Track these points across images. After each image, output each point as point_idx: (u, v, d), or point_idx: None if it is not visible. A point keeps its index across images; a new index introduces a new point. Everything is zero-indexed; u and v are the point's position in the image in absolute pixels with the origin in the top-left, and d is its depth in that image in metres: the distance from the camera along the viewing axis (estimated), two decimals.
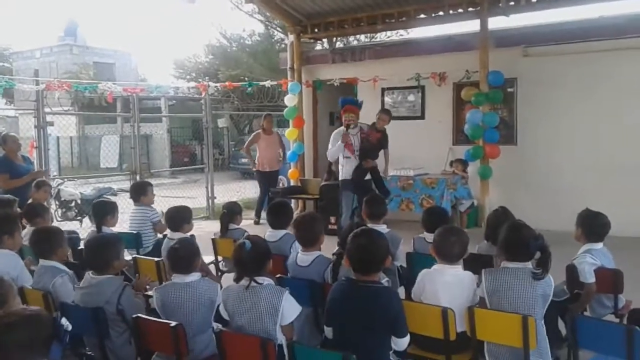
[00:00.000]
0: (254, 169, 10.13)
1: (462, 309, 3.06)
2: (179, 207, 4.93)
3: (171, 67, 29.19)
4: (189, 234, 4.57)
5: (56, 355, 2.04)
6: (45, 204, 5.84)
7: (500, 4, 8.53)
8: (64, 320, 2.07)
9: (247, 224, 7.98)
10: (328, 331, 2.98)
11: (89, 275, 3.32)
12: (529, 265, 3.03)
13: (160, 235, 5.55)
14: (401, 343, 2.86)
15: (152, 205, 5.70)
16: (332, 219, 7.93)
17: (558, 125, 8.52)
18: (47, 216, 5.14)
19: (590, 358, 3.01)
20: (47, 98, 8.32)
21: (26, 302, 3.49)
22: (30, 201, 5.61)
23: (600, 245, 3.76)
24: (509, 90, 8.87)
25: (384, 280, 3.40)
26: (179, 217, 4.74)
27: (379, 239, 2.98)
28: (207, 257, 5.06)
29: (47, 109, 8.25)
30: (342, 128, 7.29)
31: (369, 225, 4.26)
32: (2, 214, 4.23)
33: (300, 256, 3.72)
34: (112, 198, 8.69)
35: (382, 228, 4.42)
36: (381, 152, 7.84)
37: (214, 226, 7.02)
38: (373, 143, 7.20)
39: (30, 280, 3.76)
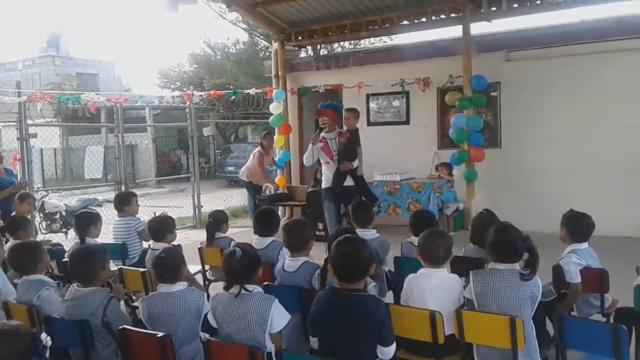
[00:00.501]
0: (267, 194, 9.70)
1: (450, 311, 3.07)
2: (162, 217, 4.91)
3: (155, 76, 29.10)
4: (172, 243, 4.54)
5: None
6: (29, 216, 5.79)
7: (482, 10, 8.61)
8: (43, 335, 2.03)
9: (233, 232, 7.94)
10: (314, 342, 2.93)
11: (73, 287, 3.28)
12: (517, 266, 3.04)
13: (146, 245, 5.51)
14: (387, 352, 2.82)
15: (137, 215, 5.66)
16: (320, 226, 7.92)
17: (541, 128, 8.61)
18: (29, 229, 5.09)
19: (578, 357, 3.03)
20: (29, 110, 8.25)
21: (10, 316, 3.45)
22: (13, 214, 5.54)
23: (585, 245, 3.79)
24: (493, 94, 8.96)
25: (372, 285, 3.40)
26: (162, 227, 4.71)
27: (362, 247, 2.93)
28: (194, 267, 5.03)
29: (29, 121, 8.18)
30: (316, 134, 7.25)
31: (358, 231, 4.27)
32: None
33: (288, 262, 3.71)
34: (98, 209, 8.61)
35: (372, 233, 4.43)
36: None
37: (201, 235, 6.97)
38: (344, 143, 7.10)
39: (14, 293, 3.71)
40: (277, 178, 10.81)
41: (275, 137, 10.71)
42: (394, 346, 2.84)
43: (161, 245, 4.35)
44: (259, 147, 9.69)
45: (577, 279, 3.61)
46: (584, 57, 8.20)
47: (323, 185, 7.30)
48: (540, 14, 8.71)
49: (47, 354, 2.04)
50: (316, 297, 2.95)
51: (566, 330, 2.93)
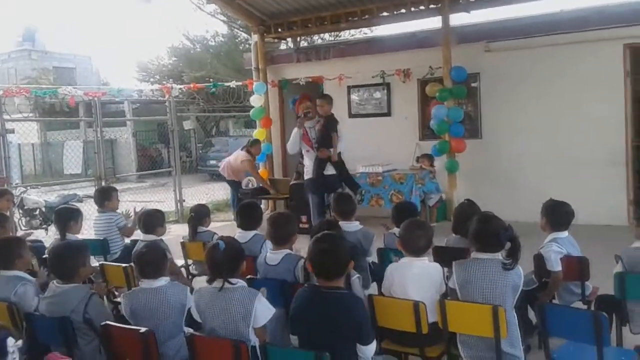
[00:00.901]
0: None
1: (432, 300, 3.10)
2: (151, 210, 4.86)
3: (134, 70, 28.79)
4: (161, 237, 4.51)
5: None
6: (7, 213, 5.69)
7: (461, 1, 8.64)
8: (10, 341, 1.94)
9: (216, 226, 7.90)
10: (293, 339, 2.90)
11: (53, 284, 3.24)
12: (499, 256, 3.06)
13: (128, 241, 5.47)
14: (367, 351, 2.78)
15: (118, 211, 5.61)
16: (303, 218, 7.90)
17: (519, 118, 8.67)
18: (8, 225, 5.01)
19: (560, 345, 3.07)
20: (5, 105, 8.10)
21: None
22: None
23: (565, 233, 3.84)
24: (473, 85, 9.00)
25: (355, 277, 3.41)
26: (152, 220, 4.68)
27: (341, 243, 2.92)
28: (177, 261, 4.99)
29: (6, 116, 8.04)
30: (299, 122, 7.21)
31: (341, 223, 4.27)
32: None
33: (269, 255, 3.70)
34: (78, 205, 8.50)
35: (355, 225, 4.44)
36: None
37: (184, 229, 6.90)
38: (321, 130, 7.08)
39: None
40: (259, 171, 10.77)
41: (256, 130, 10.67)
42: (373, 345, 2.82)
43: (151, 238, 4.33)
44: (247, 154, 9.50)
45: (557, 267, 3.65)
46: (562, 47, 8.26)
47: (305, 177, 7.27)
48: (520, 5, 8.77)
49: (17, 358, 1.94)
50: (296, 295, 2.92)
51: (548, 318, 2.96)
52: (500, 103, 8.81)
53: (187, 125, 23.38)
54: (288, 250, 3.70)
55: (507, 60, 8.70)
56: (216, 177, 18.92)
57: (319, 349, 2.55)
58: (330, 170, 7.09)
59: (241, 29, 20.62)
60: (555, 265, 3.65)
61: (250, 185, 11.14)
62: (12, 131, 8.24)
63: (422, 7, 9.00)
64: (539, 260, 3.74)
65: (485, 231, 3.14)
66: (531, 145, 8.59)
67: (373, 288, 4.19)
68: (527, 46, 8.52)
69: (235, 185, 9.70)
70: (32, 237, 6.13)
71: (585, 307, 3.70)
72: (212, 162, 20.53)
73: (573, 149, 8.26)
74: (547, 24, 8.49)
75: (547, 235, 3.86)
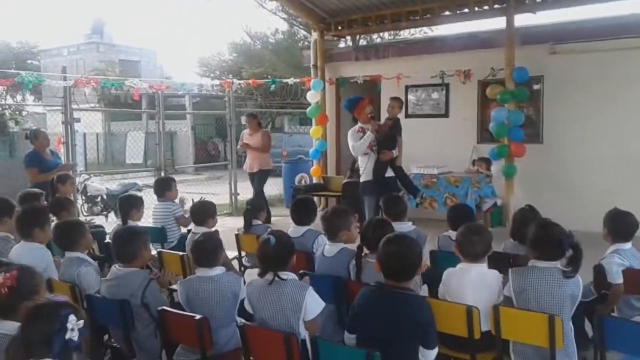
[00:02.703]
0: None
1: (487, 307, 3.03)
2: (203, 201, 4.98)
3: (195, 65, 29.48)
4: (213, 228, 4.61)
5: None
6: (71, 197, 5.94)
7: (527, 1, 8.42)
8: (71, 319, 1.99)
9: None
10: (350, 338, 2.88)
11: (115, 267, 3.37)
12: (558, 264, 2.98)
13: (184, 230, 5.61)
14: (429, 355, 2.77)
15: (176, 201, 5.76)
16: (356, 216, 7.88)
17: (587, 123, 8.37)
18: (72, 210, 5.22)
19: (617, 359, 2.96)
20: (74, 95, 8.45)
21: (54, 294, 3.56)
22: (57, 195, 5.69)
23: (628, 245, 3.68)
24: (535, 88, 8.75)
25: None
26: (204, 212, 4.79)
27: (411, 246, 2.89)
28: (231, 253, 5.09)
29: (74, 106, 8.38)
30: (357, 126, 7.02)
31: (394, 225, 4.24)
32: (32, 207, 4.31)
33: (327, 247, 3.77)
34: (137, 193, 8.80)
35: (408, 226, 4.41)
36: None
37: (237, 222, 7.06)
38: (386, 131, 6.92)
39: (56, 275, 3.82)
40: (312, 168, 10.85)
41: (312, 128, 10.73)
42: (436, 350, 2.80)
43: (203, 229, 4.44)
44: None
45: (619, 279, 3.51)
46: (633, 51, 7.92)
47: (362, 179, 7.01)
48: (588, 6, 8.47)
49: (76, 337, 1.99)
50: (361, 293, 2.91)
51: (606, 331, 2.86)
52: (565, 107, 8.53)
53: (245, 120, 23.75)
54: (344, 244, 3.72)
55: (573, 63, 8.41)
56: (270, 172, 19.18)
57: (380, 349, 2.52)
58: (389, 172, 6.94)
59: (301, 27, 20.79)
60: (616, 277, 3.52)
61: (303, 182, 11.25)
62: (78, 120, 8.57)
63: (486, 7, 8.80)
64: (599, 271, 3.61)
65: (545, 238, 3.06)
66: (598, 152, 8.27)
67: (423, 290, 4.15)
68: (595, 49, 8.21)
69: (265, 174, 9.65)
70: (93, 223, 6.41)
71: None
72: None
73: None
74: (616, 27, 8.17)
75: (609, 246, 3.72)
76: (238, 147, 10.00)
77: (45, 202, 5.32)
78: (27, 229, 3.90)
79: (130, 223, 4.84)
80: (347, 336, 2.91)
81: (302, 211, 4.47)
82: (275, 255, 3.02)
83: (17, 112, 26.73)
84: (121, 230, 3.75)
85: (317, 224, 4.25)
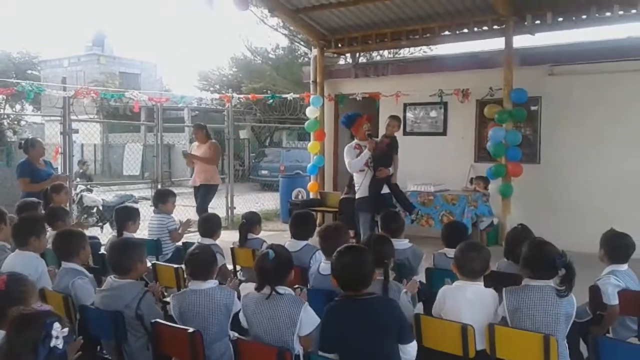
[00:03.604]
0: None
1: (483, 326, 3.02)
2: (211, 214, 5.00)
3: (195, 78, 29.59)
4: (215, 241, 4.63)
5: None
6: (66, 207, 5.92)
7: (526, 23, 8.49)
8: (56, 326, 2.02)
9: (265, 234, 7.98)
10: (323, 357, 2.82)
11: (110, 278, 3.35)
12: (551, 283, 2.98)
13: (180, 243, 5.59)
14: (408, 349, 2.80)
15: (172, 215, 5.75)
16: (351, 233, 7.88)
17: (584, 145, 8.42)
18: (68, 220, 5.22)
19: None
20: (73, 105, 8.46)
21: (44, 304, 3.53)
22: (51, 205, 5.67)
23: (625, 266, 3.69)
24: (533, 108, 8.81)
25: (403, 292, 3.37)
26: (211, 225, 4.80)
27: (363, 255, 2.94)
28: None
29: (73, 116, 8.39)
30: (354, 142, 7.04)
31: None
32: (29, 216, 4.31)
33: (323, 265, 3.73)
34: (134, 205, 8.77)
35: (404, 243, 4.41)
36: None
37: (233, 236, 7.00)
38: (383, 149, 6.94)
39: (50, 284, 3.80)
40: (310, 184, 10.86)
41: (310, 143, 10.76)
42: (414, 344, 2.83)
43: (209, 242, 4.44)
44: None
45: (614, 300, 3.51)
46: (631, 73, 8.00)
47: (358, 195, 7.02)
48: (585, 29, 8.56)
49: (60, 344, 2.03)
50: (327, 309, 2.89)
51: (602, 352, 2.83)
52: (563, 128, 8.58)
53: (243, 134, 23.83)
54: None
55: (571, 84, 8.49)
56: (267, 187, 19.22)
57: (363, 358, 2.53)
58: (385, 189, 6.97)
59: (302, 43, 20.91)
60: (612, 298, 3.51)
61: (300, 197, 11.25)
62: (77, 131, 8.58)
63: (485, 28, 8.91)
64: (595, 292, 3.60)
65: (538, 257, 3.06)
66: (595, 173, 8.31)
67: (419, 308, 4.13)
68: (593, 71, 8.29)
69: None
70: (88, 234, 6.37)
71: None
72: (264, 172, 20.83)
73: None
74: (614, 49, 8.27)
75: (605, 267, 3.72)
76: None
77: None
78: (24, 238, 3.89)
79: (126, 235, 4.83)
80: (327, 356, 2.80)
81: (301, 225, 4.47)
82: (273, 269, 3.02)
83: (16, 122, 26.77)
84: (117, 242, 3.74)
85: (315, 238, 4.25)
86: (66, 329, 2.05)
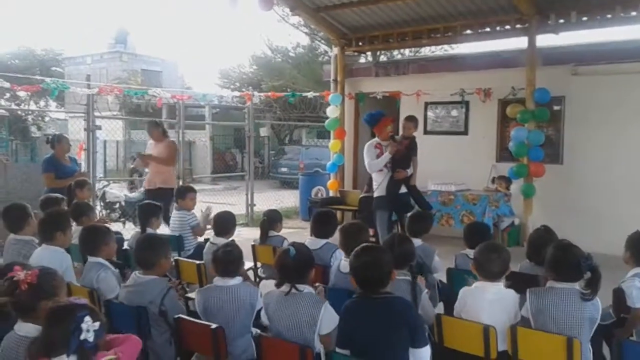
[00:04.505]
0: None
1: (504, 327, 3.01)
2: (226, 212, 5.02)
3: (216, 76, 29.74)
4: (230, 239, 4.65)
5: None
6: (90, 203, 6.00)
7: (550, 22, 8.40)
8: (86, 320, 2.06)
9: (285, 232, 8.02)
10: (343, 355, 2.83)
11: (135, 274, 3.41)
12: (576, 286, 2.95)
13: (200, 239, 5.65)
14: (421, 354, 2.75)
15: (193, 211, 5.80)
16: (371, 231, 7.88)
17: (608, 145, 8.29)
18: (92, 215, 5.28)
19: None
20: (97, 102, 8.57)
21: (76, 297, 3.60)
22: (75, 201, 5.76)
23: None
24: (556, 108, 8.70)
25: (425, 292, 3.37)
26: (226, 223, 4.83)
27: (382, 255, 2.93)
28: (247, 263, 5.10)
29: (96, 113, 8.50)
30: (375, 140, 7.05)
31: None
32: (55, 211, 4.38)
33: (344, 263, 3.74)
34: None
35: (416, 240, 4.41)
36: None
37: (253, 233, 7.09)
38: (402, 151, 6.94)
39: (74, 279, 3.87)
40: (329, 182, 10.87)
41: (331, 141, 10.77)
42: (427, 349, 2.79)
43: (221, 240, 4.47)
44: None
45: (639, 303, 3.47)
46: None
47: (376, 194, 7.08)
48: (609, 29, 8.44)
49: (91, 338, 2.06)
50: (344, 307, 2.90)
51: (625, 356, 2.81)
52: (586, 128, 8.46)
53: (263, 132, 23.93)
54: None
55: (595, 84, 8.36)
56: (286, 184, 19.28)
57: (373, 357, 2.53)
58: (403, 188, 7.00)
59: (322, 41, 20.93)
60: (636, 301, 3.46)
61: (319, 195, 11.28)
62: (100, 128, 8.70)
63: (508, 27, 8.84)
64: (619, 294, 3.56)
65: (563, 259, 3.03)
66: (619, 174, 8.18)
67: (439, 308, 4.13)
68: (618, 71, 8.16)
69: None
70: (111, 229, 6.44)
71: None
72: (284, 169, 20.90)
73: None
74: (638, 49, 8.11)
75: (629, 270, 3.67)
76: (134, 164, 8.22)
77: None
78: (50, 232, 3.97)
79: (149, 231, 4.88)
80: (341, 352, 2.85)
81: (323, 224, 4.48)
82: (294, 266, 3.04)
83: (40, 118, 27.21)
84: (144, 238, 3.80)
85: (335, 237, 4.26)
86: (97, 323, 2.08)
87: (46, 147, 7.85)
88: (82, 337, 2.04)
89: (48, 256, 3.80)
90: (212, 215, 5.33)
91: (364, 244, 3.10)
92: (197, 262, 4.41)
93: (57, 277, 2.59)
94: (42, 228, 4.03)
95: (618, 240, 3.85)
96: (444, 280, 4.38)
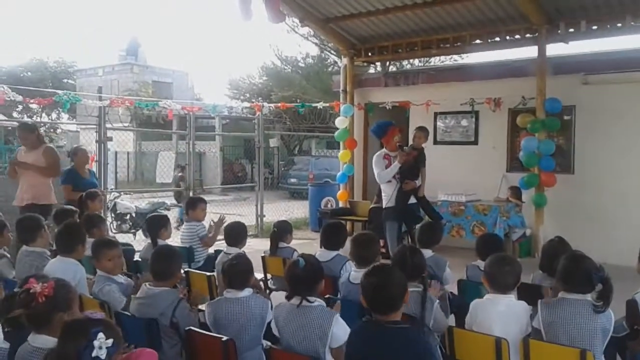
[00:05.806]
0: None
1: (516, 339, 2.98)
2: (237, 222, 5.02)
3: (226, 87, 29.91)
4: (241, 250, 4.65)
5: None
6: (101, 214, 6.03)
7: (560, 31, 8.39)
8: (100, 337, 2.04)
9: (295, 243, 8.01)
10: None
11: (145, 286, 3.42)
12: (588, 297, 2.93)
13: (211, 251, 5.65)
14: None
15: (203, 222, 5.80)
16: (381, 242, 7.86)
17: (619, 155, 8.23)
18: (103, 227, 5.29)
19: None
20: (108, 114, 8.63)
21: (84, 311, 3.62)
22: (86, 213, 5.77)
23: None
24: (566, 118, 8.67)
25: (437, 303, 3.35)
26: (238, 233, 4.84)
27: (394, 276, 2.73)
28: (256, 275, 5.10)
29: (107, 125, 8.56)
30: (383, 151, 7.05)
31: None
32: (74, 223, 4.40)
33: (354, 273, 3.74)
34: (165, 212, 8.90)
35: (427, 252, 4.39)
36: None
37: (263, 244, 7.08)
38: (410, 162, 6.93)
39: (87, 291, 3.89)
40: (339, 192, 10.87)
41: (341, 152, 10.78)
42: None
43: (234, 250, 4.47)
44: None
45: None
46: None
47: (385, 205, 7.08)
48: (619, 37, 8.42)
49: (103, 355, 2.03)
50: (353, 330, 2.80)
51: None
52: (597, 138, 8.42)
53: (273, 142, 23.99)
54: None
55: (606, 93, 8.32)
56: (296, 195, 19.30)
57: None
58: (412, 199, 7.01)
59: (332, 52, 21.01)
60: None
61: (329, 205, 11.27)
62: (111, 139, 8.75)
63: (517, 36, 8.84)
64: (632, 306, 3.51)
65: (575, 271, 3.01)
66: (631, 183, 8.12)
67: (450, 320, 4.10)
68: (629, 80, 8.11)
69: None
70: (122, 241, 6.46)
71: None
72: (293, 180, 20.94)
73: None
74: None
75: None
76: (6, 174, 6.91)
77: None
78: (71, 245, 4.01)
79: (160, 242, 4.89)
80: None
81: (332, 235, 4.47)
82: (304, 278, 3.03)
83: (52, 130, 27.44)
84: (162, 249, 3.81)
85: (346, 249, 4.25)
86: (110, 340, 2.05)
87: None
88: (93, 354, 2.02)
89: (62, 268, 3.82)
90: (225, 224, 5.34)
91: (375, 264, 2.98)
92: (208, 273, 4.41)
93: (72, 290, 2.61)
94: (62, 240, 4.06)
95: (628, 251, 3.82)
96: (455, 291, 4.35)
